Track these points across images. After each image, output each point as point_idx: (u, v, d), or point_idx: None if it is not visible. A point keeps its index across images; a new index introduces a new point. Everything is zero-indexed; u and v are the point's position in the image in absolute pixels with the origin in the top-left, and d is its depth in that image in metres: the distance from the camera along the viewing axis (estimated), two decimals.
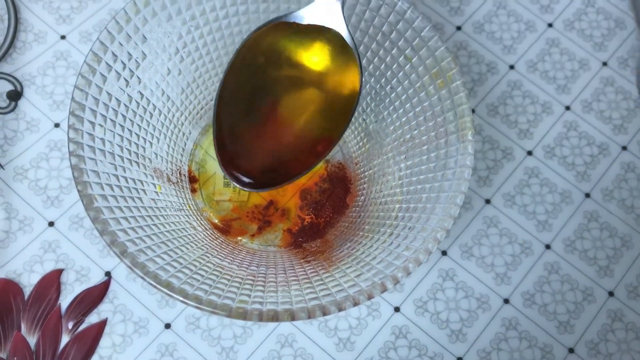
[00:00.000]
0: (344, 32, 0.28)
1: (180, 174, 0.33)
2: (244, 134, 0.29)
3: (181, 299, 0.24)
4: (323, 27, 0.28)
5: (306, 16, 0.29)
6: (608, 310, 0.34)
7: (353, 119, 0.34)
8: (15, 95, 0.35)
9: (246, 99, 0.29)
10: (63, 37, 0.37)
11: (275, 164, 0.29)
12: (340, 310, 0.24)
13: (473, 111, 0.38)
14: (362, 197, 0.34)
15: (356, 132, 0.35)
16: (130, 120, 0.30)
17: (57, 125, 0.35)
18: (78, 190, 0.26)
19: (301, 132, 0.29)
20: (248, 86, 0.29)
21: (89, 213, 0.25)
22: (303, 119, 0.29)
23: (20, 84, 0.36)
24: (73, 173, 0.26)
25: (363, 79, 0.28)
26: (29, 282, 0.32)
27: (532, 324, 0.33)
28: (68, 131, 0.26)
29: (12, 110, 0.35)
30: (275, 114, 0.29)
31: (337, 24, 0.28)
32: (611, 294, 0.34)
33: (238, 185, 0.29)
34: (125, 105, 0.29)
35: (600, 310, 0.34)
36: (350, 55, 0.28)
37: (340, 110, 0.29)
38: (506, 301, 0.34)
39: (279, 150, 0.29)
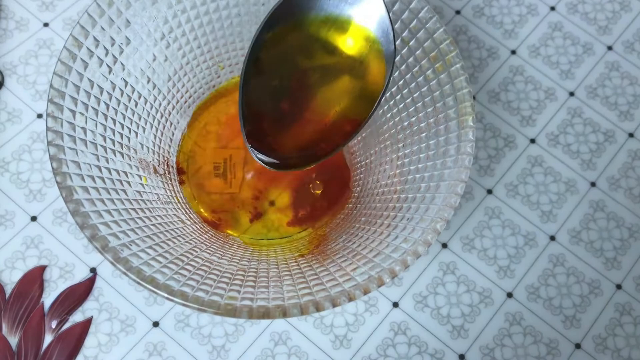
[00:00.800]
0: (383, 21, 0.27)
1: (167, 165, 0.32)
2: (272, 111, 0.28)
3: (166, 295, 0.23)
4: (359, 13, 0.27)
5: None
6: (616, 303, 0.32)
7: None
8: None
9: (276, 76, 0.28)
10: (46, 25, 0.36)
11: (303, 144, 0.28)
12: (334, 306, 0.23)
13: (474, 98, 0.36)
14: (358, 188, 0.32)
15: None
16: (114, 108, 0.28)
17: (39, 116, 0.34)
18: (57, 182, 0.24)
19: (330, 112, 0.28)
20: (279, 63, 0.28)
21: (69, 206, 0.24)
22: (332, 99, 0.28)
23: (1, 73, 0.34)
24: (52, 164, 0.25)
25: (394, 61, 0.27)
26: (10, 279, 0.31)
27: (537, 319, 0.32)
28: (46, 120, 0.25)
29: None
30: (304, 93, 0.28)
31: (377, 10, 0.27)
32: (619, 286, 0.33)
33: (263, 164, 0.27)
34: (108, 93, 0.28)
35: (607, 304, 0.32)
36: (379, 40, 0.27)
37: (369, 91, 0.28)
38: (509, 295, 0.32)
39: (307, 130, 0.28)
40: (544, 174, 0.35)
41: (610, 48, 0.38)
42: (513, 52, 0.37)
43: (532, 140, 0.35)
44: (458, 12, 0.38)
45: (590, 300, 0.32)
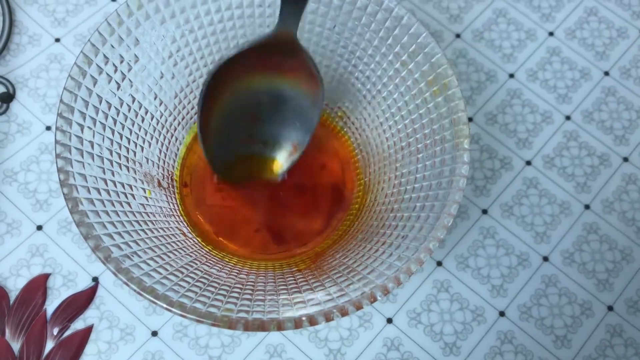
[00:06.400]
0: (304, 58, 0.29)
1: (171, 179, 0.32)
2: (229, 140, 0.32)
3: (165, 306, 0.24)
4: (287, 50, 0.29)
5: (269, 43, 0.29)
6: (607, 325, 0.33)
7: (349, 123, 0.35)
8: (7, 98, 0.35)
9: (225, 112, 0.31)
10: (57, 40, 0.37)
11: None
12: (327, 320, 0.24)
13: (471, 120, 0.37)
14: (356, 206, 0.33)
15: (352, 139, 0.34)
16: (121, 123, 0.29)
17: (48, 128, 0.35)
18: (63, 193, 0.25)
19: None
20: (226, 103, 0.31)
21: (74, 217, 0.25)
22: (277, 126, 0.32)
23: (13, 86, 0.35)
24: (59, 176, 0.25)
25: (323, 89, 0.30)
26: (14, 286, 0.31)
27: (529, 338, 0.32)
28: (55, 133, 0.26)
29: (4, 112, 0.35)
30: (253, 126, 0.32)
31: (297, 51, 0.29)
32: (610, 308, 0.33)
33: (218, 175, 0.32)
34: (116, 108, 0.29)
35: (598, 325, 0.33)
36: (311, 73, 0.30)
37: (305, 122, 0.31)
38: (502, 314, 0.33)
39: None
40: (539, 195, 0.35)
41: (607, 73, 0.39)
42: (511, 75, 0.38)
43: (528, 163, 0.36)
44: (458, 36, 0.39)
45: (581, 321, 0.33)
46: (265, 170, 0.33)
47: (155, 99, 0.31)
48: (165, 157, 0.32)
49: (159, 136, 0.32)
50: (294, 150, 0.32)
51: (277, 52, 0.29)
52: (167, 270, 0.26)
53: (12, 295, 0.31)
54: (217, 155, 0.32)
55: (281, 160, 0.33)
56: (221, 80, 0.29)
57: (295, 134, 0.32)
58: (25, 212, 0.33)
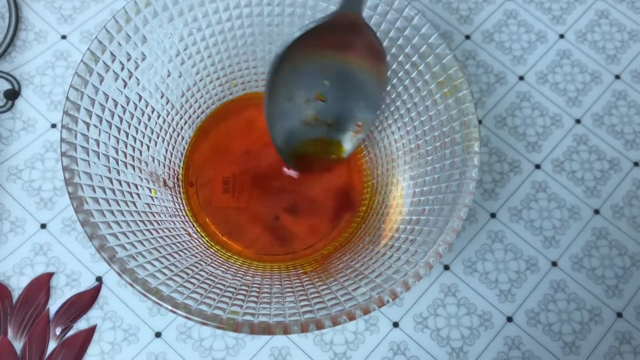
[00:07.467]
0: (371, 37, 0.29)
1: (177, 178, 0.32)
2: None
3: (170, 307, 0.24)
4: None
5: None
6: (616, 331, 0.32)
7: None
8: (12, 94, 0.35)
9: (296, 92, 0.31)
10: (64, 37, 0.37)
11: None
12: (334, 325, 0.23)
13: (480, 122, 0.37)
14: (364, 207, 0.33)
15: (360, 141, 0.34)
16: (127, 122, 0.29)
17: (54, 125, 0.35)
18: (68, 192, 0.25)
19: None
20: (294, 86, 0.30)
21: (79, 216, 0.25)
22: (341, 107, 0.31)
23: (18, 82, 0.35)
24: (64, 174, 0.25)
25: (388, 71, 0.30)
26: (18, 285, 0.31)
27: (536, 344, 0.32)
28: (61, 131, 0.26)
29: (9, 109, 0.35)
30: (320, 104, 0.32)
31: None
32: (619, 314, 0.33)
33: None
34: (122, 106, 0.29)
35: (607, 332, 0.32)
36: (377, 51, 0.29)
37: (370, 100, 0.31)
38: (509, 319, 0.32)
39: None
40: (548, 199, 0.35)
41: (617, 77, 0.38)
42: (521, 78, 0.38)
43: (537, 166, 0.36)
44: (468, 37, 0.39)
45: (590, 328, 0.32)
46: (330, 152, 0.33)
47: (162, 97, 0.31)
48: (171, 156, 0.32)
49: (165, 135, 0.31)
50: (359, 129, 0.32)
51: (341, 30, 0.28)
52: (172, 271, 0.26)
53: (15, 294, 0.31)
54: (284, 142, 0.31)
55: (346, 142, 0.32)
56: (287, 64, 0.29)
57: (360, 113, 0.31)
58: (30, 210, 0.33)
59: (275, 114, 0.30)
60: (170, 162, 0.32)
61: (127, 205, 0.27)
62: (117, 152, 0.28)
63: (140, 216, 0.27)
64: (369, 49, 0.29)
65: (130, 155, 0.29)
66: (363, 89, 0.31)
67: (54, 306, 0.31)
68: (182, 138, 0.33)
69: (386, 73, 0.30)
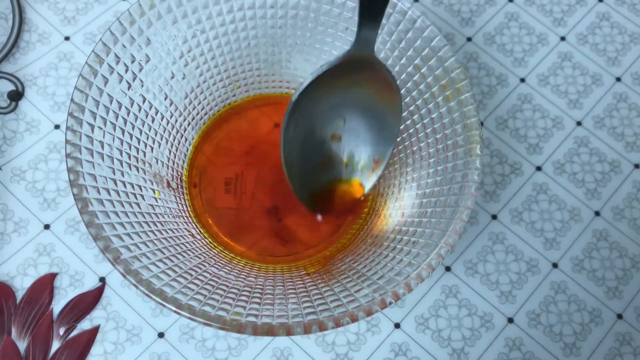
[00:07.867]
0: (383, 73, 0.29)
1: (180, 179, 0.32)
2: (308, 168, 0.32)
3: (174, 308, 0.24)
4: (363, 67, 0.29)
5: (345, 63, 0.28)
6: (616, 333, 0.33)
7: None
8: (16, 96, 0.35)
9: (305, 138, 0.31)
10: (67, 39, 0.37)
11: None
12: (337, 326, 0.24)
13: (482, 124, 0.37)
14: (366, 209, 0.33)
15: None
16: (131, 124, 0.29)
17: (57, 126, 0.35)
18: (73, 194, 0.25)
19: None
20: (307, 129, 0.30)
21: (84, 217, 0.25)
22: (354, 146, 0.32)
23: (22, 84, 0.35)
24: (69, 175, 0.25)
25: (402, 103, 0.30)
26: (21, 285, 0.31)
27: (537, 345, 0.32)
28: (66, 133, 0.26)
29: (12, 110, 0.35)
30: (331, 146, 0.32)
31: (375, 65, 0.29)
32: (620, 316, 0.33)
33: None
34: (126, 108, 0.29)
35: (608, 333, 0.33)
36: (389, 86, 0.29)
37: (385, 134, 0.31)
38: (510, 320, 0.33)
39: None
40: (549, 201, 0.35)
41: (618, 79, 0.38)
42: (522, 80, 0.38)
43: (538, 168, 0.36)
44: (469, 39, 0.39)
45: (590, 329, 0.33)
46: (349, 193, 0.33)
47: (165, 99, 0.31)
48: (174, 157, 0.32)
49: (169, 137, 0.32)
50: (375, 165, 0.32)
51: (354, 69, 0.28)
52: (175, 272, 0.26)
53: (19, 295, 0.31)
54: (302, 185, 0.31)
55: (364, 180, 0.32)
56: (301, 109, 0.29)
57: (376, 148, 0.31)
58: (33, 210, 0.33)
59: (292, 161, 0.30)
60: (173, 164, 0.32)
61: (131, 207, 0.27)
62: (121, 154, 0.28)
63: (144, 217, 0.28)
64: (383, 84, 0.29)
65: (134, 156, 0.29)
66: (378, 123, 0.30)
67: (57, 306, 0.31)
68: (186, 139, 0.33)
69: (401, 105, 0.30)
